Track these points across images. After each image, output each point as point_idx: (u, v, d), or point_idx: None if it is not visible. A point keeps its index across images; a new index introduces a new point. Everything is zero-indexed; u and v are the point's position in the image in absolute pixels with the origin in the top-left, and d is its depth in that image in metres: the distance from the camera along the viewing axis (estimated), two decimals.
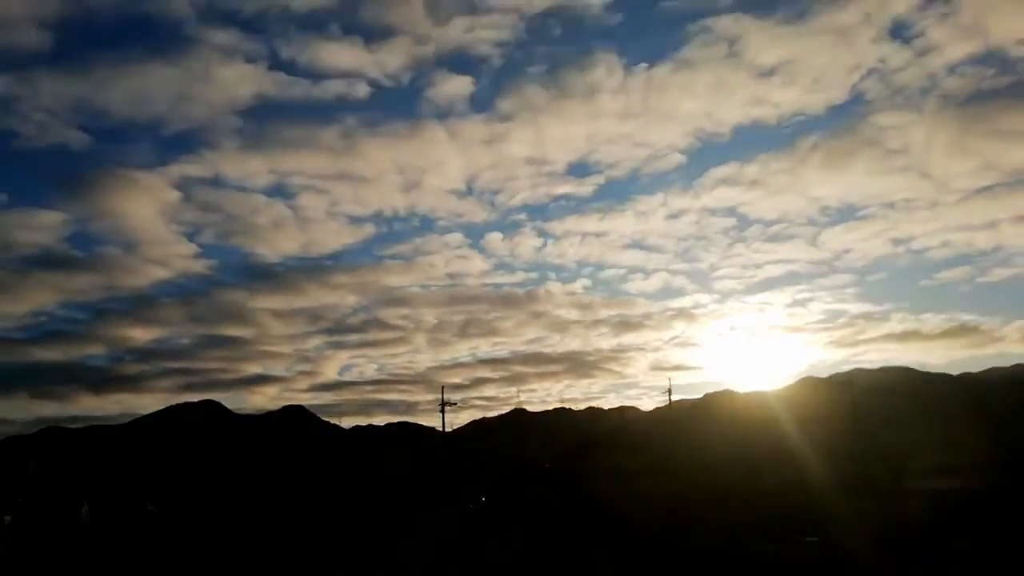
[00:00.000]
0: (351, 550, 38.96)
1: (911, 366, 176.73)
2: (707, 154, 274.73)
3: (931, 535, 30.05)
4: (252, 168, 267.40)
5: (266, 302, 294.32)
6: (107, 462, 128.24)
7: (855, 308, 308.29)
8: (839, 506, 41.38)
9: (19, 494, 55.60)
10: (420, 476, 79.52)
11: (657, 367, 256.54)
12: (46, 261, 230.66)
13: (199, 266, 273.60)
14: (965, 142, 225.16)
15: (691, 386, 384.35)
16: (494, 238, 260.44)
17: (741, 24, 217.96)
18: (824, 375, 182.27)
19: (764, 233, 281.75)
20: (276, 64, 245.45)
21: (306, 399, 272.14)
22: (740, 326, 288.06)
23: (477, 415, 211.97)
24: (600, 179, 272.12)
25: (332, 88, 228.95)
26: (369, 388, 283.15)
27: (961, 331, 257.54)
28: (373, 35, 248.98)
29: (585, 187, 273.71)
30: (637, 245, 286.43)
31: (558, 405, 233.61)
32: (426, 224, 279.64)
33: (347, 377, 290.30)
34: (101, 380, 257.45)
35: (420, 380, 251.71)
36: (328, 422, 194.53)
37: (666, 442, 79.18)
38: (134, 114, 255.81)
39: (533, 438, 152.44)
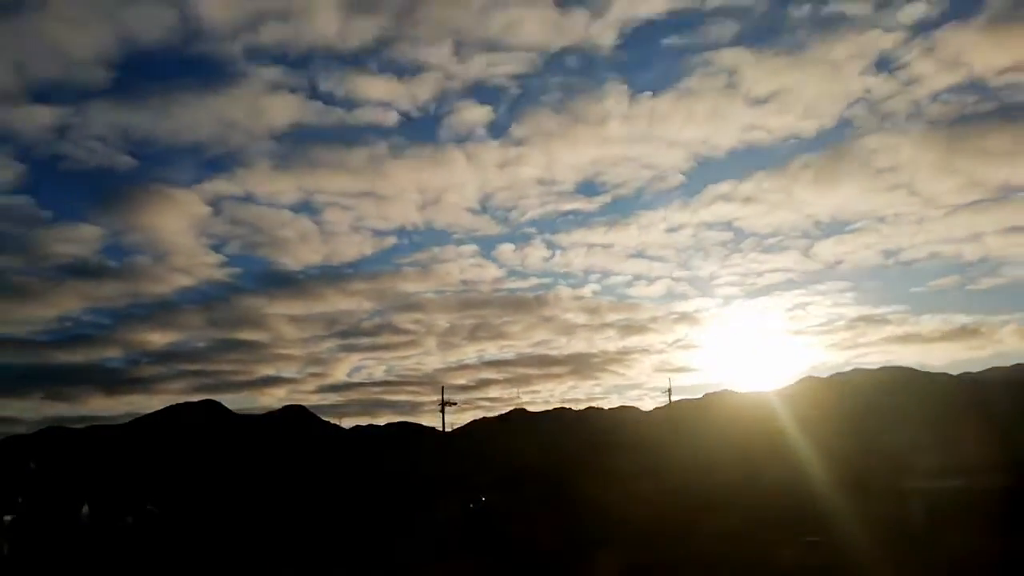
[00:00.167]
0: (351, 550, 38.97)
1: (911, 366, 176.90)
2: (705, 173, 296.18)
3: (931, 535, 30.06)
4: (281, 187, 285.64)
5: (283, 308, 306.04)
6: (107, 462, 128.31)
7: (854, 312, 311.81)
8: (839, 506, 41.38)
9: (19, 494, 55.55)
10: (419, 476, 79.53)
11: (660, 369, 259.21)
12: (79, 270, 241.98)
13: (221, 274, 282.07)
14: (951, 162, 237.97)
15: (694, 387, 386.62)
16: (506, 249, 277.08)
17: (739, 57, 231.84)
18: (824, 375, 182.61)
19: (760, 245, 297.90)
20: (315, 95, 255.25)
21: (314, 400, 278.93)
22: (742, 329, 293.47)
23: (477, 415, 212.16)
24: (607, 198, 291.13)
25: (364, 116, 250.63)
26: (376, 389, 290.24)
27: (960, 332, 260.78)
28: (405, 71, 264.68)
29: (592, 204, 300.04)
30: (640, 255, 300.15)
31: (558, 405, 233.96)
32: (443, 237, 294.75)
33: (356, 378, 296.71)
34: (115, 382, 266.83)
35: (426, 381, 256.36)
36: (328, 422, 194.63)
37: (666, 442, 79.19)
38: (177, 139, 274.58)
39: (533, 438, 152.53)
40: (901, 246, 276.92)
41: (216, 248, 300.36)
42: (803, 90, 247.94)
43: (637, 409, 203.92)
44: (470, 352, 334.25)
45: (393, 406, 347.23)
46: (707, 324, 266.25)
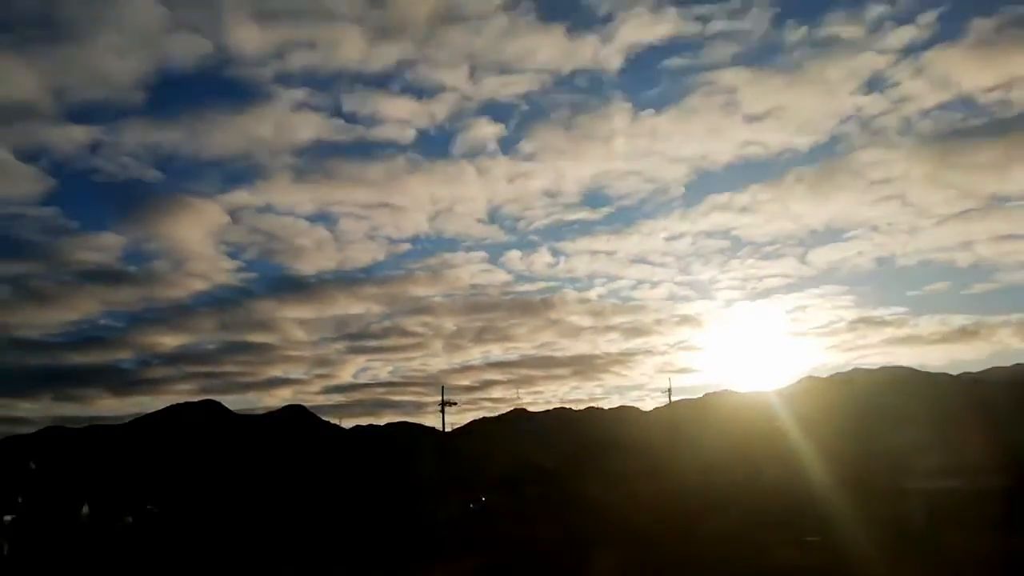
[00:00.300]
0: (350, 549, 38.95)
1: (911, 366, 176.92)
2: (704, 185, 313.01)
3: (931, 535, 30.04)
4: (300, 198, 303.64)
5: (294, 311, 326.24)
6: (108, 462, 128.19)
7: (853, 314, 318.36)
8: (839, 506, 41.36)
9: (19, 494, 55.51)
10: (419, 476, 79.47)
11: (662, 370, 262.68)
12: (100, 275, 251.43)
13: (235, 279, 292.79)
14: (942, 174, 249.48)
15: (695, 388, 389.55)
16: (513, 256, 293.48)
17: (738, 77, 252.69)
18: (825, 375, 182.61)
19: (758, 252, 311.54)
20: (338, 114, 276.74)
21: (319, 400, 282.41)
22: (743, 331, 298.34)
23: (478, 415, 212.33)
24: (610, 209, 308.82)
25: (383, 133, 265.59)
26: (381, 390, 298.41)
27: (959, 334, 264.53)
28: (424, 92, 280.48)
29: (596, 215, 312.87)
30: (642, 260, 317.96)
31: (558, 405, 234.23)
32: (453, 244, 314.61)
33: (361, 379, 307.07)
34: (124, 383, 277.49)
35: (431, 382, 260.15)
36: (328, 422, 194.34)
37: (665, 442, 79.13)
38: (203, 154, 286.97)
39: (533, 438, 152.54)
40: (895, 253, 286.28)
41: (233, 255, 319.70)
42: (798, 107, 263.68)
43: (637, 409, 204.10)
44: (475, 354, 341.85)
45: (397, 406, 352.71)
46: (709, 326, 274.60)
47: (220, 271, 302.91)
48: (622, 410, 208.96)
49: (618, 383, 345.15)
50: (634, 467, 67.71)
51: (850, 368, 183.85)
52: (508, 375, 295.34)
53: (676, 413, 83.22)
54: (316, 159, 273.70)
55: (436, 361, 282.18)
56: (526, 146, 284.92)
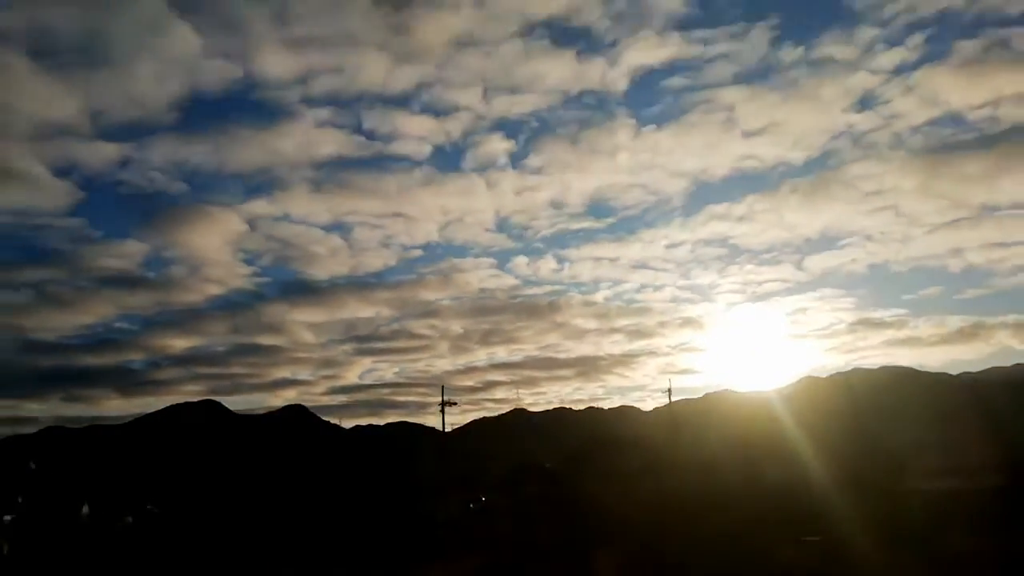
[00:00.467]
0: (350, 549, 38.96)
1: (911, 366, 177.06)
2: (702, 196, 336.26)
3: (931, 535, 30.04)
4: (316, 208, 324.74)
5: (304, 315, 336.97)
6: (108, 462, 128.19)
7: (852, 316, 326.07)
8: (839, 506, 41.37)
9: (19, 494, 55.53)
10: (419, 476, 79.51)
11: (664, 371, 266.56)
12: (119, 281, 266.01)
13: (249, 284, 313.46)
14: (932, 185, 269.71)
15: (697, 389, 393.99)
16: (520, 262, 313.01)
17: (736, 95, 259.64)
18: (825, 375, 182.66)
19: (755, 259, 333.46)
20: (359, 131, 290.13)
21: (324, 400, 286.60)
22: (744, 333, 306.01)
23: (478, 415, 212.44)
24: (613, 219, 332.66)
25: (400, 148, 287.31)
26: (385, 390, 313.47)
27: (958, 335, 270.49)
28: (440, 111, 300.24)
29: (599, 224, 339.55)
30: (643, 266, 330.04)
31: (558, 405, 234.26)
32: (462, 251, 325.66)
33: (366, 380, 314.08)
34: (133, 383, 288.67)
35: (435, 383, 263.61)
36: (328, 422, 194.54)
37: (665, 442, 79.16)
38: (226, 167, 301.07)
39: (533, 438, 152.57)
40: (888, 260, 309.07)
41: (249, 261, 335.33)
42: (793, 123, 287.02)
43: (637, 409, 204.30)
44: (481, 355, 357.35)
45: (400, 407, 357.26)
46: (710, 328, 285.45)
47: (235, 276, 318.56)
48: (622, 410, 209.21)
49: (620, 384, 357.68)
50: (634, 466, 67.69)
51: (850, 368, 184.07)
52: (512, 376, 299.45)
53: (676, 412, 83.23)
54: (334, 172, 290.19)
55: (441, 362, 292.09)
56: (534, 160, 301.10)
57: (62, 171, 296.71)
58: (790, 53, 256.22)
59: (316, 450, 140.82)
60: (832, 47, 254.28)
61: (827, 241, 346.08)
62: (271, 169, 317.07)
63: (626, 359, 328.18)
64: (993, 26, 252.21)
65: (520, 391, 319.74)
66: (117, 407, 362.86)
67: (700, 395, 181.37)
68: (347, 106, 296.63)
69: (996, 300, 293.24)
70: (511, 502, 64.48)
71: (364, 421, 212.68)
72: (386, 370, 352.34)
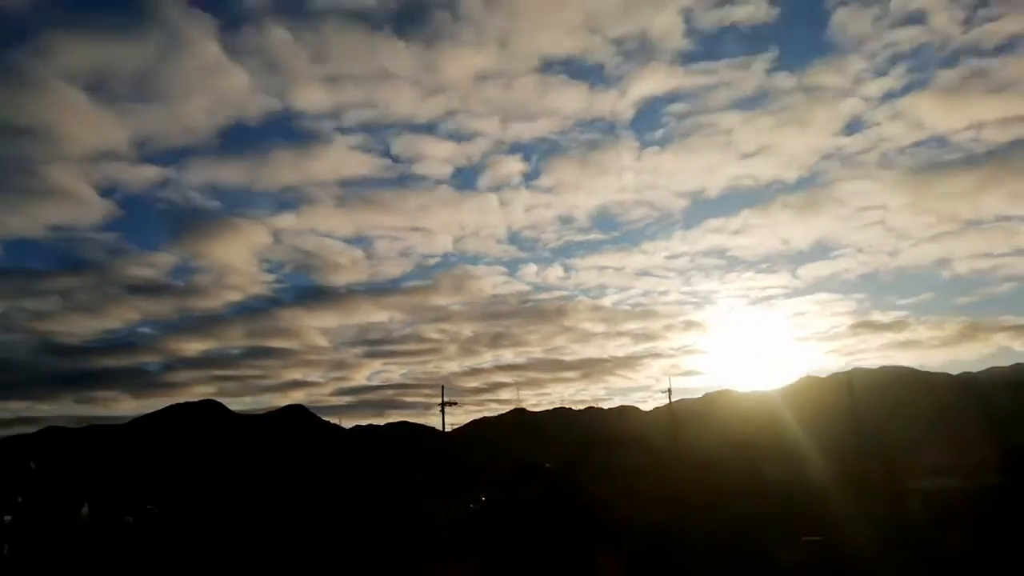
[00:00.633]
0: (350, 549, 38.98)
1: (911, 366, 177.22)
2: (700, 211, 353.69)
3: (931, 535, 30.07)
4: (340, 222, 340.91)
5: (319, 319, 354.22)
6: (107, 462, 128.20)
7: (851, 319, 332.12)
8: (839, 505, 41.38)
9: (19, 494, 55.54)
10: (419, 476, 79.50)
11: (667, 373, 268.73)
12: (146, 289, 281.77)
13: (268, 290, 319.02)
14: (919, 202, 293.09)
15: (698, 389, 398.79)
16: (529, 270, 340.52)
17: (733, 120, 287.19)
18: (824, 375, 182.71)
19: (752, 267, 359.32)
20: (386, 154, 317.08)
21: (332, 400, 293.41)
22: (746, 336, 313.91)
23: (478, 415, 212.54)
24: (617, 233, 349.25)
25: (422, 169, 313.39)
26: (391, 391, 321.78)
27: (958, 336, 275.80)
28: (462, 136, 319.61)
29: (604, 236, 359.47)
30: (647, 274, 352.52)
31: (559, 405, 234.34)
32: (475, 260, 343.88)
33: (374, 382, 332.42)
34: (144, 385, 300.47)
35: (440, 384, 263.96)
36: (328, 422, 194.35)
37: (665, 441, 79.15)
38: (259, 185, 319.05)
39: (533, 438, 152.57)
40: (878, 268, 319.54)
41: (271, 270, 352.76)
42: (787, 145, 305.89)
43: (637, 409, 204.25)
44: (488, 358, 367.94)
45: (405, 407, 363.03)
46: (713, 331, 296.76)
47: (256, 283, 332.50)
48: (622, 409, 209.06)
49: (623, 385, 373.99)
50: (634, 465, 67.69)
51: (850, 367, 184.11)
52: (516, 377, 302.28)
53: (676, 411, 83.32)
54: (359, 190, 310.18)
55: (449, 365, 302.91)
56: (545, 180, 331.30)
57: (107, 191, 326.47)
58: (785, 81, 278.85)
59: (316, 450, 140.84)
60: (824, 76, 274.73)
61: (820, 251, 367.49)
62: (301, 187, 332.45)
63: (630, 361, 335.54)
64: (971, 55, 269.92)
65: (523, 392, 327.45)
66: (128, 408, 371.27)
67: (700, 395, 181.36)
68: (377, 133, 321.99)
69: (993, 303, 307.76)
70: (511, 502, 64.45)
71: (366, 422, 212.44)
72: (394, 372, 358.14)
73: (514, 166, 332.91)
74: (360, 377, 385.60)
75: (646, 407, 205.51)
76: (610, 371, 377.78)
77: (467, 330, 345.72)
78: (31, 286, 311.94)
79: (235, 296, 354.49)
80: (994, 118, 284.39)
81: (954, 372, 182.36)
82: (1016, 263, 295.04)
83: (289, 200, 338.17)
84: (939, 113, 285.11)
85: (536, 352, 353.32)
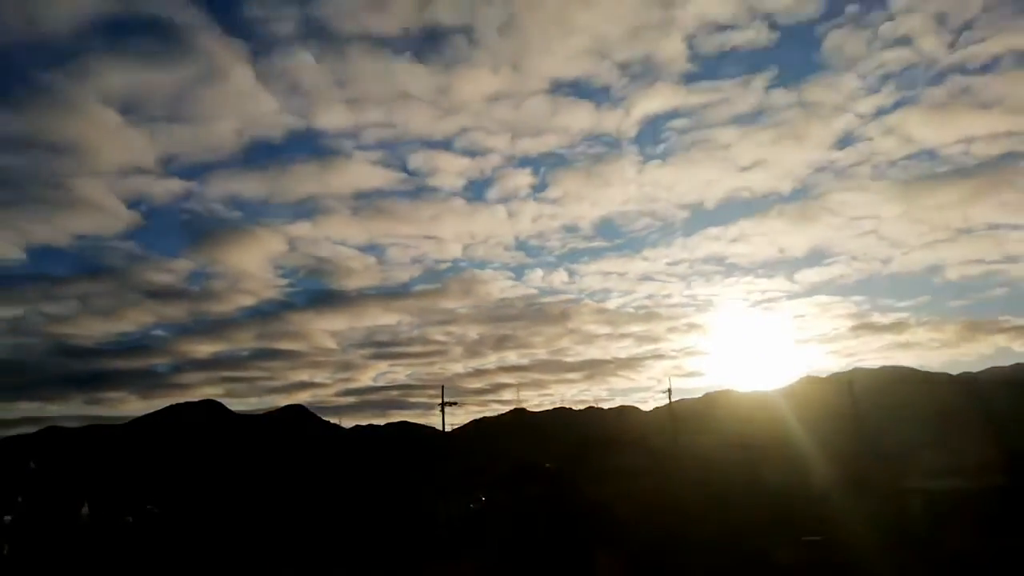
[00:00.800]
0: (350, 549, 38.97)
1: (911, 366, 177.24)
2: (699, 220, 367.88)
3: (931, 535, 30.05)
4: (354, 231, 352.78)
5: (329, 323, 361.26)
6: (107, 462, 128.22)
7: (852, 321, 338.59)
8: (839, 506, 41.37)
9: (19, 494, 55.53)
10: (419, 475, 79.59)
11: (669, 374, 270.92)
12: (162, 294, 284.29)
13: (281, 294, 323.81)
14: (911, 212, 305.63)
15: (699, 389, 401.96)
16: (535, 275, 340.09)
17: (731, 134, 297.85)
18: (824, 375, 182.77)
19: (750, 272, 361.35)
20: (403, 168, 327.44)
21: (335, 401, 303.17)
22: (747, 337, 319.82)
23: (477, 415, 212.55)
24: (620, 240, 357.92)
25: (435, 181, 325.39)
26: (394, 392, 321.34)
27: (957, 337, 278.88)
28: (475, 152, 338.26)
29: (607, 244, 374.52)
30: (648, 279, 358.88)
31: (559, 405, 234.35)
32: (481, 265, 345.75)
33: (379, 383, 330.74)
34: (153, 386, 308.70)
35: (444, 385, 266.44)
36: (328, 422, 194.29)
37: (665, 441, 79.13)
38: (278, 196, 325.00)
39: (533, 438, 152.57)
40: (872, 275, 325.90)
41: (285, 276, 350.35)
42: (783, 159, 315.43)
43: (637, 408, 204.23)
44: (492, 359, 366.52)
45: (408, 407, 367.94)
46: (715, 333, 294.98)
47: (269, 288, 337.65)
48: (622, 409, 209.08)
49: (625, 386, 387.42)
50: (634, 465, 67.68)
51: (850, 368, 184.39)
52: (519, 378, 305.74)
53: (676, 411, 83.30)
54: (371, 200, 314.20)
55: (454, 366, 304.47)
56: (552, 192, 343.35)
57: (134, 203, 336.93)
58: (782, 98, 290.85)
59: (315, 450, 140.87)
60: (819, 93, 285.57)
61: (816, 258, 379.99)
62: (319, 198, 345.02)
63: (632, 362, 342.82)
64: (958, 73, 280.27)
65: (526, 392, 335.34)
66: (135, 408, 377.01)
67: (700, 395, 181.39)
68: (394, 149, 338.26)
69: (985, 307, 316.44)
70: (511, 502, 64.42)
71: (366, 422, 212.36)
72: (399, 373, 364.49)
73: (523, 179, 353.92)
74: (365, 378, 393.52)
75: (646, 407, 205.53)
76: (612, 372, 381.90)
77: (473, 332, 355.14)
78: (51, 291, 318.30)
79: (248, 300, 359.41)
80: (982, 133, 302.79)
81: (954, 372, 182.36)
82: (1008, 269, 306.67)
83: (306, 210, 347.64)
84: (928, 128, 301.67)
85: (540, 353, 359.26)
